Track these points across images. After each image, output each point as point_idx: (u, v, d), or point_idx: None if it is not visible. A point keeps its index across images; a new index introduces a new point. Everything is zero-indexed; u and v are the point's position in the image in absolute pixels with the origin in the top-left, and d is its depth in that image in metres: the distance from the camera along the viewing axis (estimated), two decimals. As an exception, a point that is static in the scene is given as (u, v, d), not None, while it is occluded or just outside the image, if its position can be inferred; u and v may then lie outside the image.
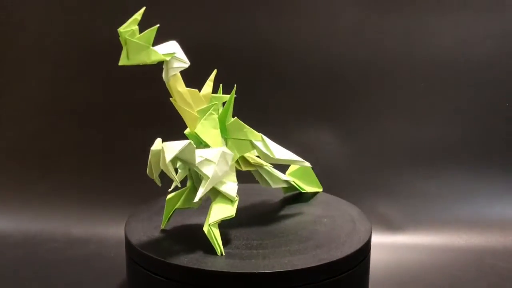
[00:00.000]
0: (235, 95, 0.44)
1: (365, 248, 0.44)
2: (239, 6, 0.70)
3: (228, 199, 0.43)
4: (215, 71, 0.43)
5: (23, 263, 0.62)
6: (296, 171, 0.55)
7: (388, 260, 0.63)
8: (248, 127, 0.44)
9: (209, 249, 0.42)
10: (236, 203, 0.43)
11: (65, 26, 0.71)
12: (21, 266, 0.62)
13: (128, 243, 0.44)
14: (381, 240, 0.67)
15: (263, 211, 0.51)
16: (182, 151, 0.38)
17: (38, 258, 0.63)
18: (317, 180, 0.56)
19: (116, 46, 0.69)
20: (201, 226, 0.47)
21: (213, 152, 0.41)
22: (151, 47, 0.38)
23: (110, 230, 0.68)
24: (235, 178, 0.44)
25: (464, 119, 0.72)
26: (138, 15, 0.37)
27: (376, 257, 0.54)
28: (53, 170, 0.72)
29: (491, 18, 0.70)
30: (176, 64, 0.40)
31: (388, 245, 0.67)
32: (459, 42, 0.71)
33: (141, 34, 0.38)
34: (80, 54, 0.71)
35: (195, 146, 0.39)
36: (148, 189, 0.68)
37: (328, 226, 0.47)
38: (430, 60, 0.71)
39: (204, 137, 0.42)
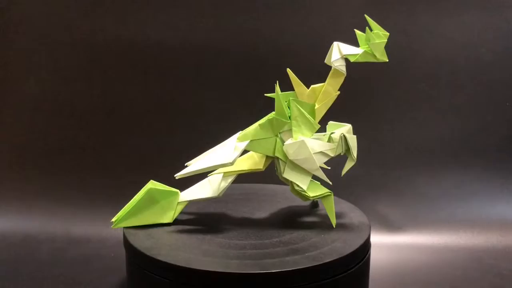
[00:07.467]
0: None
1: (365, 248, 0.44)
2: (243, 6, 0.70)
3: None
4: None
5: (23, 263, 0.62)
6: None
7: (388, 260, 0.63)
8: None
9: (209, 249, 0.42)
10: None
11: (65, 26, 0.70)
12: (21, 266, 0.61)
13: (127, 243, 0.44)
14: (381, 240, 0.67)
15: (261, 211, 0.51)
16: None
17: (38, 258, 0.63)
18: None
19: (116, 46, 0.70)
20: (201, 226, 0.47)
21: None
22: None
23: (110, 230, 0.68)
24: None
25: (464, 119, 0.72)
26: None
27: (376, 257, 0.54)
28: (53, 169, 0.72)
29: (492, 18, 0.70)
30: None
31: (388, 245, 0.66)
32: (460, 42, 0.71)
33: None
34: (80, 54, 0.71)
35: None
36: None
37: (328, 226, 0.47)
38: (430, 60, 0.71)
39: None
